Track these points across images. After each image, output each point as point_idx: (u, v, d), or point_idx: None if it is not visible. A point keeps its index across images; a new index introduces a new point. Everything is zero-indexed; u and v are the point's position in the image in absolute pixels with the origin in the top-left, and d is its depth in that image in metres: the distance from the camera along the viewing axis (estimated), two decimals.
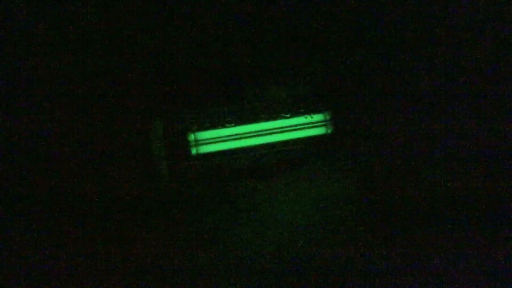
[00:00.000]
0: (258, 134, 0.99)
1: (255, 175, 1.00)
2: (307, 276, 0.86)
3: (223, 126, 0.97)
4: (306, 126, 1.01)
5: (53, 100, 0.88)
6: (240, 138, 0.98)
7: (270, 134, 1.00)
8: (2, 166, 0.86)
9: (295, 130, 1.01)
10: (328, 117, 1.02)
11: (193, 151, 0.97)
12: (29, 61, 0.85)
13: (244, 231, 0.92)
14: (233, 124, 0.97)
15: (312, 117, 1.01)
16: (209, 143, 0.97)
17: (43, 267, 0.83)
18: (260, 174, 0.99)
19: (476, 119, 0.94)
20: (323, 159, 1.02)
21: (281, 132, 1.00)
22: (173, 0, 0.88)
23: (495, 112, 0.94)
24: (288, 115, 1.00)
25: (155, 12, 0.89)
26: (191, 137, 0.96)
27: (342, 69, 1.00)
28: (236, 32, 0.95)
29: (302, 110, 1.01)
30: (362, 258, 0.88)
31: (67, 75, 0.87)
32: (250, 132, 0.98)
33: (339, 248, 0.90)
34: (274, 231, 0.93)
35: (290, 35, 0.97)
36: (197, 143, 0.96)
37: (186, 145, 0.96)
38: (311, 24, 0.96)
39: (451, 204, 0.94)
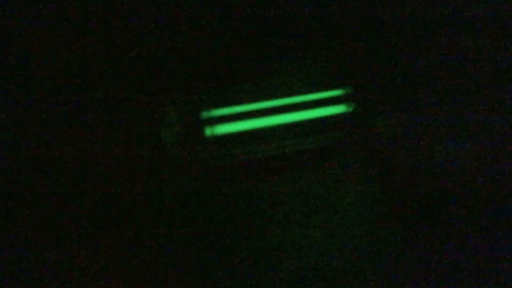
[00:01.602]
0: (275, 110, 0.92)
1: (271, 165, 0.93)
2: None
3: (239, 104, 0.91)
4: (325, 103, 0.95)
5: (62, 79, 0.82)
6: (256, 117, 0.92)
7: (287, 112, 0.93)
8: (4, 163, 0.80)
9: (314, 107, 0.95)
10: (347, 93, 0.96)
11: (208, 131, 0.90)
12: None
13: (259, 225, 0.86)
14: (249, 101, 0.91)
15: (332, 93, 0.95)
16: (225, 122, 0.90)
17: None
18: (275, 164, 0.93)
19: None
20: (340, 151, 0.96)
21: (299, 110, 0.94)
22: None
23: None
24: (306, 91, 0.94)
25: None
26: (205, 115, 0.89)
27: (360, 48, 0.96)
28: (251, 11, 0.91)
29: (320, 87, 0.95)
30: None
31: (78, 57, 0.82)
32: (266, 109, 0.92)
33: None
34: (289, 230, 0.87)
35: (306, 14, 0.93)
36: (212, 121, 0.90)
37: (200, 124, 0.89)
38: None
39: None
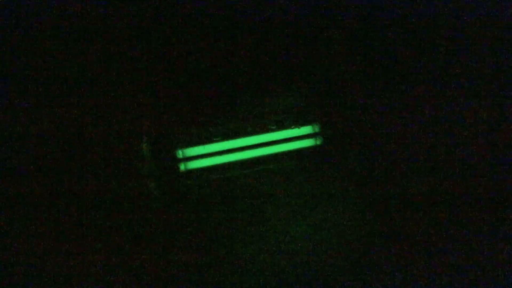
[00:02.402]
0: (245, 148, 0.98)
1: (245, 192, 0.99)
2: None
3: (211, 142, 0.97)
4: (294, 138, 1.00)
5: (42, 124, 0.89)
6: (228, 153, 0.98)
7: (258, 147, 0.99)
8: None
9: (284, 143, 1.00)
10: (316, 129, 1.01)
11: (182, 167, 0.97)
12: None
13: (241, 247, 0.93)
14: (220, 139, 0.97)
15: (299, 129, 1.00)
16: (197, 158, 0.97)
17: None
18: (249, 190, 0.99)
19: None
20: (312, 171, 1.02)
21: (269, 145, 1.00)
22: (153, 23, 0.89)
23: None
24: (274, 127, 0.99)
25: (143, 32, 0.91)
26: (179, 153, 0.96)
27: (330, 81, 1.00)
28: (221, 47, 0.95)
29: (289, 123, 1.00)
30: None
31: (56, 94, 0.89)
32: (238, 147, 0.98)
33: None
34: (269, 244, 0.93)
35: (276, 50, 0.97)
36: (186, 159, 0.97)
37: (175, 162, 0.96)
38: (296, 39, 0.96)
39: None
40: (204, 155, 0.98)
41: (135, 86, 0.92)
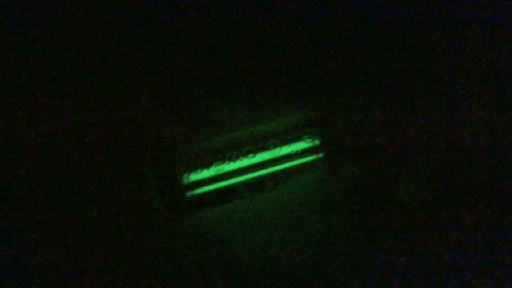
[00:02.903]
0: (248, 168, 0.99)
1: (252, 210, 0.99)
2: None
3: (213, 165, 0.99)
4: (297, 154, 1.02)
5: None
6: (232, 175, 0.99)
7: (261, 167, 1.00)
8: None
9: (287, 159, 1.01)
10: (318, 143, 1.03)
11: (188, 193, 0.97)
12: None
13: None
14: (221, 162, 0.99)
15: (304, 143, 1.02)
16: (202, 183, 0.98)
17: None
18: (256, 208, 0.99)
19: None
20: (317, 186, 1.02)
21: (274, 162, 1.01)
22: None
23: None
24: (277, 143, 1.01)
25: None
26: (184, 179, 0.97)
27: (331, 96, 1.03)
28: (218, 60, 0.98)
29: (291, 138, 1.02)
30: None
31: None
32: (240, 168, 0.99)
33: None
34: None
35: (271, 66, 1.00)
36: (191, 184, 0.97)
37: (180, 188, 0.97)
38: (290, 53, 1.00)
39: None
40: (209, 179, 0.98)
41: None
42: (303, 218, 0.99)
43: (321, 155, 1.03)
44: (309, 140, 1.02)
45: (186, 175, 0.97)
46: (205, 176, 0.98)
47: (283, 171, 1.01)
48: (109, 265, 0.89)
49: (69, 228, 0.89)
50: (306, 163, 1.02)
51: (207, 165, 0.98)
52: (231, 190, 1.00)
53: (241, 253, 0.95)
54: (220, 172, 0.99)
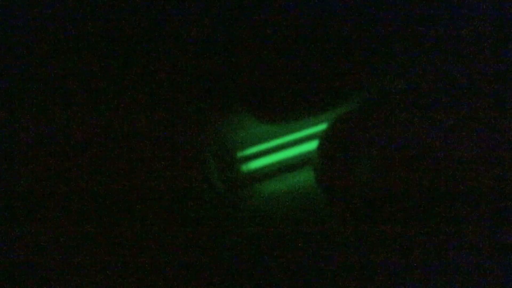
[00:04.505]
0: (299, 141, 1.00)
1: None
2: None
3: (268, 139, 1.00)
4: None
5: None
6: (286, 147, 0.99)
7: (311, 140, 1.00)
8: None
9: None
10: None
11: (243, 167, 0.99)
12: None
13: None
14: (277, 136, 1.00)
15: None
16: (257, 157, 0.99)
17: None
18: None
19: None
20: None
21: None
22: None
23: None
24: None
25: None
26: (239, 154, 1.00)
27: None
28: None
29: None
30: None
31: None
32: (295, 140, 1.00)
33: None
34: None
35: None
36: (246, 159, 0.99)
37: (235, 162, 0.99)
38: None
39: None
40: (263, 153, 1.00)
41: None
42: None
43: None
44: None
45: (240, 151, 1.00)
46: (258, 150, 1.00)
47: None
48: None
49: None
50: None
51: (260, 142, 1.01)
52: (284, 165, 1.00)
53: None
54: (273, 145, 1.00)
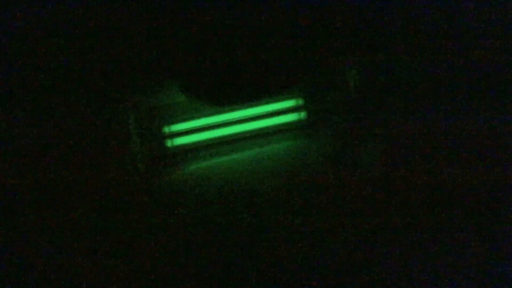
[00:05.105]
0: (230, 123, 0.99)
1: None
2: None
3: (197, 117, 0.98)
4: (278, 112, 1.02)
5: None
6: (215, 128, 0.99)
7: (244, 122, 1.00)
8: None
9: (270, 116, 1.02)
10: (301, 103, 1.04)
11: (168, 143, 0.96)
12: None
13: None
14: (206, 114, 0.98)
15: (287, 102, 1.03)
16: (183, 134, 0.97)
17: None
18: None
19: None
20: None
21: (256, 119, 1.01)
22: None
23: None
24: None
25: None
26: (166, 129, 0.96)
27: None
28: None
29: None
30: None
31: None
32: (225, 121, 0.99)
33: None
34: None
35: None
36: (171, 134, 0.96)
37: (161, 137, 0.96)
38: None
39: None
40: (191, 130, 0.98)
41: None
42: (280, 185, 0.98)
43: (303, 116, 1.03)
44: (292, 100, 1.03)
45: (167, 126, 0.97)
46: (185, 128, 0.97)
47: (265, 129, 1.02)
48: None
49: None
50: (288, 123, 1.03)
51: (188, 119, 0.98)
52: (210, 145, 0.99)
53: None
54: (201, 124, 0.98)
